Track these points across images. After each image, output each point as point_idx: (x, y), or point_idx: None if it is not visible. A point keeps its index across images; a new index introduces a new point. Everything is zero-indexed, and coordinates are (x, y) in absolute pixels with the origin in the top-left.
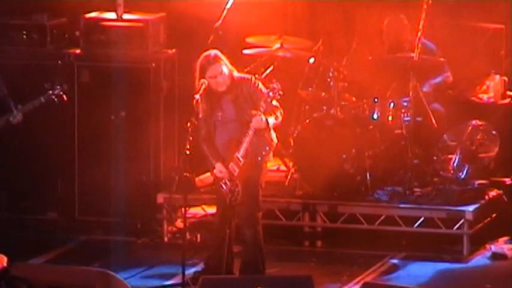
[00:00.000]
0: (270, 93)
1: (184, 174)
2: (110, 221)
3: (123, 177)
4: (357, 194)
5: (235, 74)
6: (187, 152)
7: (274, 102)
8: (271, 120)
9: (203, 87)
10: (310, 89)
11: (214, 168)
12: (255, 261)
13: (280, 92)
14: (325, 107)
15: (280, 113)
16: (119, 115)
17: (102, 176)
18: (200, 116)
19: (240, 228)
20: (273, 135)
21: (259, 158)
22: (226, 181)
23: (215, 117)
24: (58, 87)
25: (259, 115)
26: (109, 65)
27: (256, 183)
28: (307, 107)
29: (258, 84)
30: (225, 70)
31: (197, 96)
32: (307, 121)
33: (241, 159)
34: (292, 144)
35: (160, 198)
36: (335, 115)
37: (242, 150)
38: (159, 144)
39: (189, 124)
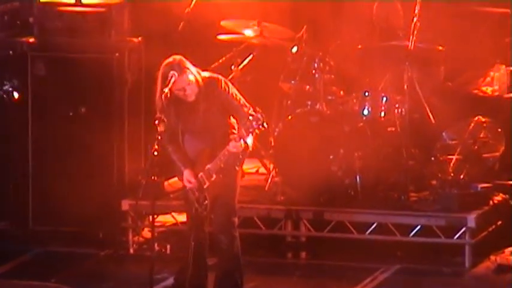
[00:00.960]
0: (254, 123)
1: (152, 177)
2: (68, 230)
3: (83, 181)
4: (346, 199)
5: (202, 75)
6: (155, 153)
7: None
8: (250, 140)
9: (173, 79)
10: (292, 81)
11: (181, 174)
12: (232, 274)
13: (265, 125)
14: (309, 102)
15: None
16: (79, 112)
17: (60, 181)
18: (164, 120)
19: (215, 235)
20: (250, 140)
21: (236, 167)
22: (194, 190)
23: (183, 125)
24: (8, 82)
25: (237, 141)
26: (67, 56)
27: (232, 187)
28: (289, 102)
29: (229, 89)
30: (192, 78)
31: (166, 90)
32: (290, 118)
33: (212, 174)
34: (272, 143)
35: (125, 204)
36: (321, 111)
37: (214, 167)
38: (123, 144)
39: (157, 121)
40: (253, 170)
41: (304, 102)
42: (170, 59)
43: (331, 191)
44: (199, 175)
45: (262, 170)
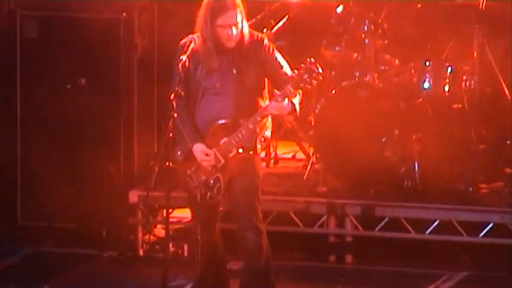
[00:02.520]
0: (305, 76)
1: (167, 163)
2: (64, 227)
3: (82, 168)
4: (401, 191)
5: (246, 33)
6: (171, 134)
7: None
8: (297, 102)
9: (192, 45)
10: (337, 48)
11: (182, 151)
12: (263, 277)
13: (321, 77)
14: (357, 73)
15: (299, 93)
16: (78, 83)
17: (54, 168)
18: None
19: (238, 232)
20: (297, 100)
21: (251, 152)
22: (202, 172)
23: (206, 82)
24: None
25: (281, 99)
26: (64, 15)
27: (254, 170)
28: (333, 72)
29: (273, 50)
30: (241, 21)
31: (183, 58)
32: (334, 92)
33: (232, 148)
34: (312, 123)
35: (133, 196)
36: (371, 84)
37: (237, 138)
38: (132, 124)
39: (173, 96)
40: (289, 156)
41: (351, 73)
42: None
43: (384, 181)
44: (214, 151)
45: (300, 155)
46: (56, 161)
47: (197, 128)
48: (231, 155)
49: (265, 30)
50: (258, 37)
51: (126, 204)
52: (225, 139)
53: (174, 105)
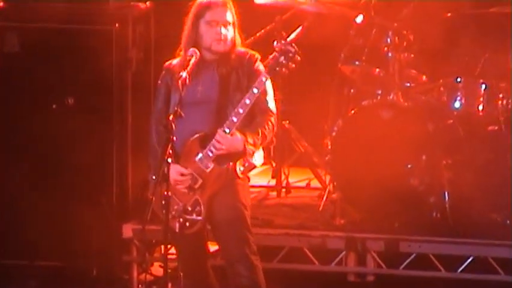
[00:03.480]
0: (281, 59)
1: (165, 193)
2: (49, 266)
3: (69, 199)
4: (430, 224)
5: (238, 45)
6: (169, 160)
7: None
8: (252, 143)
9: (193, 59)
10: (357, 63)
11: (156, 175)
12: None
13: (298, 57)
14: (380, 91)
15: (271, 127)
16: (65, 103)
17: (37, 198)
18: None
19: (229, 267)
20: (259, 154)
21: (239, 169)
22: (174, 198)
23: (186, 93)
24: None
25: (231, 130)
26: (49, 27)
27: (238, 196)
28: (352, 90)
29: (265, 81)
30: (232, 25)
31: (184, 74)
32: (353, 112)
33: (208, 162)
34: (329, 147)
35: (127, 230)
36: (395, 103)
37: (215, 146)
38: (125, 148)
39: (171, 117)
40: (303, 184)
41: (373, 90)
42: None
43: (410, 213)
44: (197, 159)
45: (314, 183)
46: (39, 190)
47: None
48: (208, 170)
49: (275, 42)
50: (251, 57)
51: (120, 239)
52: (200, 154)
53: (173, 127)
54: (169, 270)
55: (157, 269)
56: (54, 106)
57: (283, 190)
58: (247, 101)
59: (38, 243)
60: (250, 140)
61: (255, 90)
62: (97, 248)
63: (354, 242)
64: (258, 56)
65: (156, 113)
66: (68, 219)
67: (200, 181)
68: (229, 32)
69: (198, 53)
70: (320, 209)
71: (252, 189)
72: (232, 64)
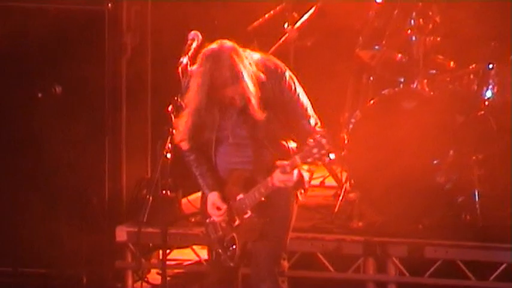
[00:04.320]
0: (314, 150)
1: (163, 192)
2: (35, 273)
3: (57, 199)
4: (458, 226)
5: (256, 58)
6: (168, 155)
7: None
8: (306, 175)
9: (195, 44)
10: (377, 47)
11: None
12: None
13: (331, 156)
14: (402, 79)
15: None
16: (52, 92)
17: (20, 197)
18: (191, 103)
19: (253, 283)
20: (305, 173)
21: (294, 197)
22: (218, 227)
23: (219, 131)
24: None
25: (287, 171)
26: (34, 7)
27: (285, 217)
28: (371, 78)
29: (296, 88)
30: (245, 75)
31: (184, 60)
32: (372, 102)
33: (247, 209)
34: (345, 141)
35: (121, 233)
36: (419, 92)
37: (251, 199)
38: (119, 143)
39: (171, 107)
40: (317, 182)
41: (395, 78)
42: (216, 44)
43: (436, 215)
44: (230, 204)
45: (329, 181)
46: (23, 189)
47: (216, 173)
48: (246, 216)
49: (286, 25)
50: (278, 69)
51: (113, 243)
52: (241, 196)
53: (173, 118)
54: (168, 278)
55: (154, 277)
56: (39, 95)
57: None
58: (289, 169)
59: (22, 248)
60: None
61: (288, 169)
62: (87, 253)
63: (373, 247)
64: (285, 67)
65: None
66: (55, 222)
67: (237, 222)
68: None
69: (200, 36)
70: (335, 210)
71: None
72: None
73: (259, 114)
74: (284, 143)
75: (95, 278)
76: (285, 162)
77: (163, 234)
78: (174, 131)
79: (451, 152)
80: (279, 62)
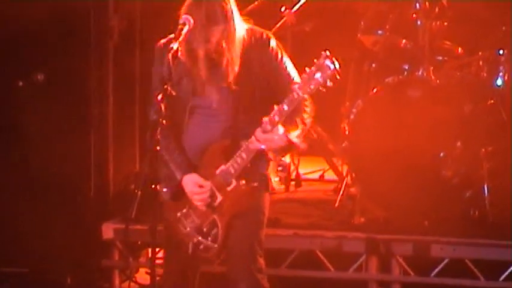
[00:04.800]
0: (317, 75)
1: (153, 186)
2: (16, 272)
3: (39, 194)
4: (466, 223)
5: (244, 25)
6: (158, 148)
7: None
8: (295, 135)
9: (186, 29)
10: (380, 32)
11: (169, 187)
12: None
13: (337, 75)
14: (407, 66)
15: (309, 111)
16: (33, 80)
17: (1, 195)
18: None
19: (231, 282)
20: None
21: (273, 181)
22: (191, 213)
23: (196, 100)
24: None
25: (272, 128)
26: None
27: (256, 207)
28: (373, 65)
29: (282, 56)
30: (236, 29)
31: (175, 46)
32: (375, 91)
33: (231, 179)
34: (346, 132)
35: (108, 230)
36: (426, 80)
37: (235, 167)
38: (106, 134)
39: (160, 96)
40: (316, 176)
41: (399, 65)
42: None
43: (442, 210)
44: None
45: (329, 175)
46: (2, 185)
47: (187, 156)
48: (230, 188)
49: (283, 9)
50: (262, 37)
51: (99, 241)
52: (222, 167)
53: (163, 108)
54: (157, 278)
55: (143, 276)
56: (20, 83)
57: (293, 183)
58: (277, 118)
59: (3, 246)
60: (293, 134)
61: (285, 107)
62: (72, 251)
63: (376, 245)
64: (269, 34)
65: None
66: (38, 219)
67: (219, 199)
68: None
69: (192, 20)
70: (336, 205)
71: None
72: (243, 55)
73: (242, 78)
74: (266, 108)
75: (80, 278)
76: (267, 118)
77: (153, 232)
78: (163, 121)
79: (459, 143)
80: (263, 31)
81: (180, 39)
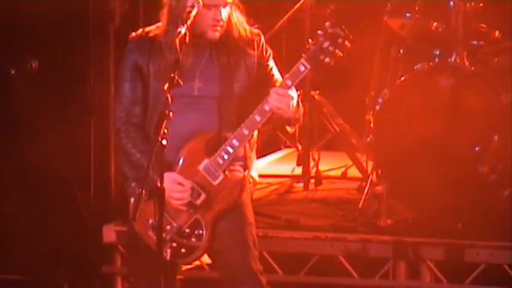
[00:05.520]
0: (326, 44)
1: (158, 185)
2: (10, 280)
3: (34, 193)
4: (505, 224)
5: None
6: (164, 142)
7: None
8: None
9: (194, 11)
10: (408, 15)
11: (137, 184)
12: None
13: (348, 43)
14: (438, 51)
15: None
16: (27, 67)
17: None
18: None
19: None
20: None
21: (244, 172)
22: (167, 216)
23: (184, 88)
24: None
25: (287, 86)
26: None
27: (248, 204)
28: (402, 51)
29: (270, 54)
30: (233, 7)
31: (182, 30)
32: (403, 79)
33: (219, 171)
34: (372, 125)
35: (109, 233)
36: (459, 66)
37: (228, 152)
38: (106, 127)
39: (167, 85)
40: (338, 173)
41: (429, 51)
42: None
43: (478, 211)
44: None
45: (353, 171)
46: None
47: (161, 153)
48: (216, 182)
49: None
50: (252, 32)
51: (99, 244)
52: (205, 161)
53: (169, 99)
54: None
55: None
56: (12, 72)
57: (312, 181)
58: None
59: None
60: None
61: (289, 82)
62: (70, 256)
63: (404, 249)
64: (258, 32)
65: (124, 107)
66: (33, 221)
67: (203, 196)
68: (226, 16)
69: (201, 3)
70: (360, 205)
71: (272, 180)
72: (232, 43)
73: (229, 65)
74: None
75: (78, 285)
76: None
77: (159, 234)
78: (170, 112)
79: (496, 137)
80: (253, 28)
81: (188, 23)
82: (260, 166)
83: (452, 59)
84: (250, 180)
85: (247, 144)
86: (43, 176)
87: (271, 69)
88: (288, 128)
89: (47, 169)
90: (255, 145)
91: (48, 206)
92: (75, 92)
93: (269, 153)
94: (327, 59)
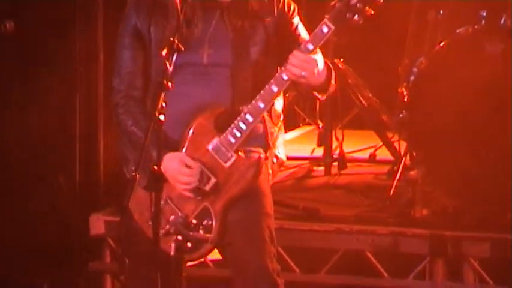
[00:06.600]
0: (353, 1)
1: (154, 167)
2: None
3: (12, 179)
4: None
5: None
6: (162, 117)
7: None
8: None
9: None
10: None
11: (142, 171)
12: None
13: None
14: (484, 12)
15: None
16: (0, 28)
17: None
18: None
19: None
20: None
21: (261, 154)
22: (170, 204)
23: (183, 55)
24: None
25: (314, 48)
26: None
27: (266, 191)
28: (441, 12)
29: (294, 11)
30: None
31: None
32: (442, 45)
33: (230, 150)
34: (405, 99)
35: (97, 223)
36: (509, 30)
37: (241, 129)
38: (95, 106)
39: (165, 51)
40: (365, 155)
41: (474, 11)
42: None
43: None
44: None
45: (382, 153)
46: None
47: (160, 130)
48: (228, 164)
49: None
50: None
51: (85, 237)
52: (215, 140)
53: (169, 67)
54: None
55: None
56: None
57: (335, 164)
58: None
59: None
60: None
61: (310, 47)
62: (50, 251)
63: (443, 244)
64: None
65: (123, 78)
66: (10, 210)
67: (213, 180)
68: None
69: None
70: (391, 193)
71: (288, 163)
72: (247, 4)
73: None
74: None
75: (60, 285)
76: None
77: (154, 225)
78: (169, 83)
79: None
80: None
81: None
82: None
83: (502, 22)
84: (275, 160)
85: (268, 119)
86: (19, 156)
87: (296, 27)
88: (319, 95)
89: (24, 148)
90: (281, 117)
91: (25, 192)
92: (57, 60)
93: (285, 132)
94: (356, 17)
